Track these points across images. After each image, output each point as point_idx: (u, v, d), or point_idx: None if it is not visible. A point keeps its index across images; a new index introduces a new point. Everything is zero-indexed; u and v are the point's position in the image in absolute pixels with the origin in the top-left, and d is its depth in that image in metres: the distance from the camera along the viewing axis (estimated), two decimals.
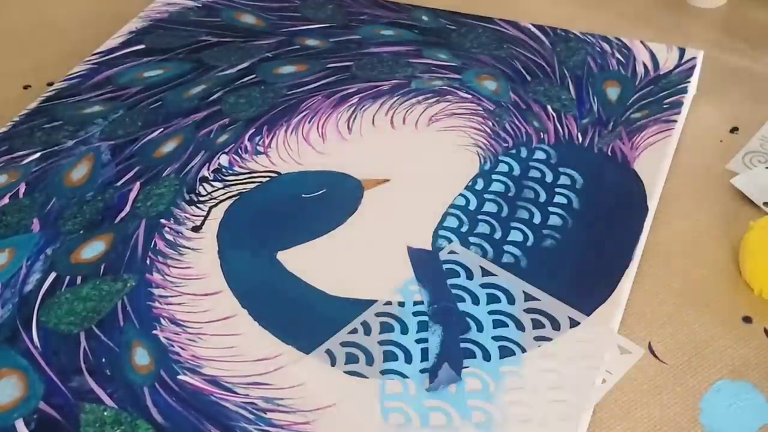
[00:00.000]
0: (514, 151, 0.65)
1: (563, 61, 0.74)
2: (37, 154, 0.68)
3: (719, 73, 0.74)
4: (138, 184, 0.65)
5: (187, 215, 0.62)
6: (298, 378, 0.50)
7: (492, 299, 0.54)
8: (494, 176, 0.63)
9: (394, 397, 0.49)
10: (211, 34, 0.82)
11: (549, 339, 0.51)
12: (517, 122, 0.68)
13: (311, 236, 0.59)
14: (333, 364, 0.50)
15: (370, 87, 0.73)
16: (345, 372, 0.50)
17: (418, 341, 0.52)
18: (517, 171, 0.63)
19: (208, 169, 0.66)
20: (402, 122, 0.69)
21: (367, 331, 0.52)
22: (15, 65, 0.83)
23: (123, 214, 0.62)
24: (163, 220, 0.61)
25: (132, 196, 0.64)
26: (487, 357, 0.50)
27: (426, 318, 0.53)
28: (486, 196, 0.61)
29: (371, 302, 0.54)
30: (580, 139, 0.66)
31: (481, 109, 0.69)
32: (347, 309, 0.54)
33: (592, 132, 0.66)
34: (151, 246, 0.59)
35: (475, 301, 0.54)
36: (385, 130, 0.68)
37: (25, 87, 0.79)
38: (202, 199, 0.63)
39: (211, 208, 0.62)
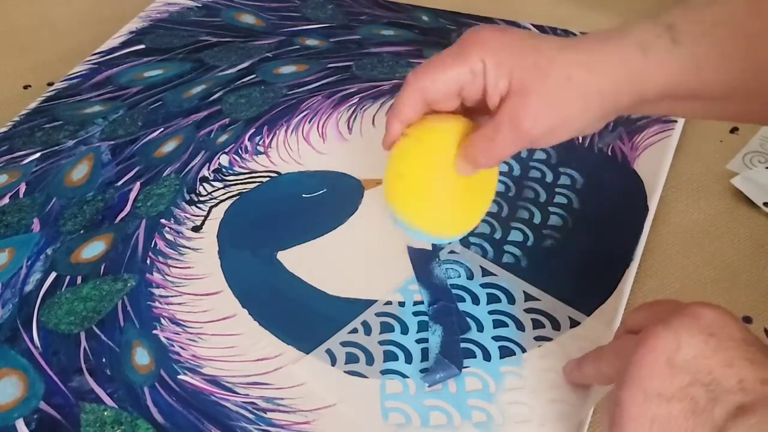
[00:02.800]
0: None
1: None
2: (38, 154, 0.68)
3: None
4: (138, 184, 0.65)
5: (188, 215, 0.62)
6: (298, 378, 0.50)
7: (492, 299, 0.54)
8: None
9: (394, 397, 0.49)
10: (211, 34, 0.82)
11: (549, 339, 0.51)
12: None
13: (311, 236, 0.59)
14: (333, 364, 0.50)
15: (370, 87, 0.73)
16: (345, 372, 0.50)
17: (418, 341, 0.52)
18: (517, 171, 0.63)
19: (208, 169, 0.66)
20: None
21: (367, 331, 0.52)
22: (15, 65, 0.83)
23: (123, 214, 0.62)
24: (163, 220, 0.62)
25: (132, 196, 0.64)
26: (487, 357, 0.50)
27: (426, 318, 0.53)
28: None
29: (371, 302, 0.54)
30: (580, 139, 0.66)
31: None
32: (347, 309, 0.54)
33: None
34: (152, 246, 0.60)
35: (475, 301, 0.54)
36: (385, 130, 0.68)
37: (25, 87, 0.80)
38: (202, 199, 0.63)
39: (211, 207, 0.62)
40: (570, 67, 0.42)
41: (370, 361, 0.51)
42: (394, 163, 0.47)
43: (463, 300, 0.54)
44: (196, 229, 0.61)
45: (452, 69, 0.44)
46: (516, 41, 0.43)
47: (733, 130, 0.67)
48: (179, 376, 0.51)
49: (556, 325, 0.52)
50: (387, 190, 0.48)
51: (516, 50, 0.43)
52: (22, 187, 0.65)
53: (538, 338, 0.51)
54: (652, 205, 0.59)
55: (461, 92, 0.45)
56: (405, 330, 0.52)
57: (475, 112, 0.46)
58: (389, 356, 0.51)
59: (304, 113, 0.71)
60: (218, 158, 0.67)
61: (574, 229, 0.58)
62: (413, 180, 0.47)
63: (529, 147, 0.44)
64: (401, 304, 0.54)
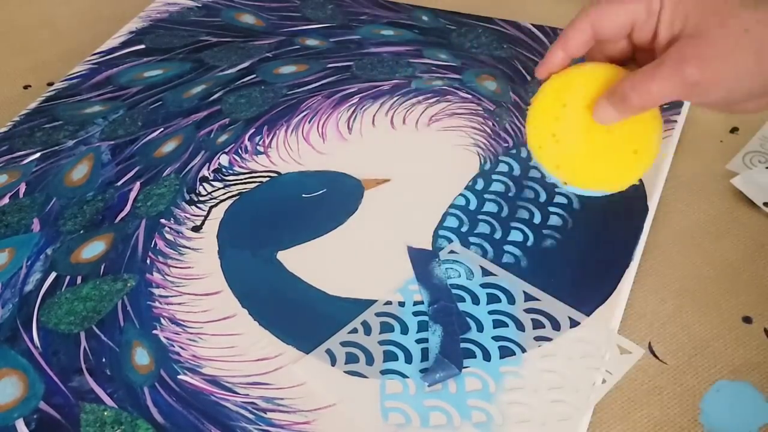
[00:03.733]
0: (514, 151, 0.65)
1: None
2: (37, 154, 0.68)
3: None
4: (138, 184, 0.65)
5: (188, 215, 0.62)
6: (298, 378, 0.50)
7: (492, 299, 0.54)
8: (494, 176, 0.63)
9: (394, 397, 0.49)
10: (211, 34, 0.82)
11: (549, 339, 0.51)
12: (517, 122, 0.68)
13: (311, 236, 0.59)
14: (333, 364, 0.50)
15: (370, 87, 0.73)
16: (345, 372, 0.50)
17: (418, 341, 0.52)
18: (517, 171, 0.63)
19: (208, 169, 0.66)
20: (402, 122, 0.69)
21: (367, 331, 0.52)
22: (15, 65, 0.83)
23: (123, 214, 0.62)
24: (163, 220, 0.61)
25: (132, 196, 0.64)
26: (487, 357, 0.50)
27: (426, 318, 0.53)
28: (486, 196, 0.61)
29: (371, 302, 0.54)
30: None
31: (481, 109, 0.69)
32: (347, 309, 0.54)
33: None
34: (152, 246, 0.60)
35: (475, 301, 0.54)
36: (385, 130, 0.68)
37: (25, 87, 0.80)
38: (202, 198, 0.63)
39: (211, 207, 0.62)
40: (749, 21, 0.40)
41: (370, 361, 0.51)
42: (540, 99, 0.46)
43: (463, 300, 0.54)
44: (196, 229, 0.61)
45: (629, 2, 0.43)
46: None
47: (733, 130, 0.67)
48: (179, 376, 0.51)
49: (556, 325, 0.52)
50: (528, 127, 0.46)
51: None
52: (22, 187, 0.65)
53: (538, 338, 0.51)
54: (652, 205, 0.59)
55: (633, 31, 0.44)
56: (405, 330, 0.52)
57: (639, 63, 0.45)
58: (389, 356, 0.51)
59: (304, 113, 0.70)
60: (218, 158, 0.67)
61: (574, 229, 0.58)
62: (554, 122, 0.45)
63: (686, 98, 0.42)
64: (401, 304, 0.54)
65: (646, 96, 0.42)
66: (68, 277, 0.58)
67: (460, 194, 0.61)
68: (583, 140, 0.45)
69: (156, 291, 0.56)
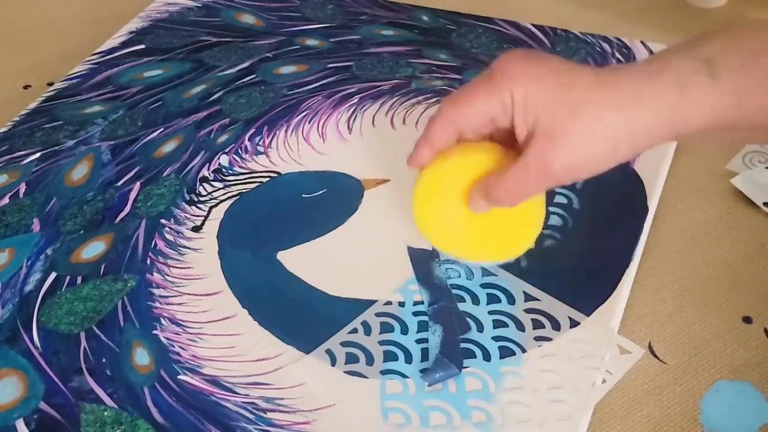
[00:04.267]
0: None
1: None
2: (38, 154, 0.68)
3: None
4: (138, 184, 0.65)
5: (188, 215, 0.62)
6: (298, 378, 0.50)
7: (492, 299, 0.54)
8: None
9: (394, 397, 0.49)
10: (211, 34, 0.82)
11: (549, 339, 0.51)
12: None
13: (311, 236, 0.59)
14: (333, 364, 0.50)
15: (370, 87, 0.73)
16: (345, 372, 0.50)
17: (418, 341, 0.52)
18: None
19: (208, 170, 0.66)
20: (402, 122, 0.69)
21: (367, 331, 0.52)
22: (15, 65, 0.83)
23: (123, 214, 0.62)
24: (163, 220, 0.62)
25: (132, 196, 0.64)
26: (487, 357, 0.50)
27: (426, 318, 0.53)
28: None
29: (371, 302, 0.54)
30: None
31: None
32: (347, 309, 0.54)
33: None
34: (152, 246, 0.60)
35: (475, 301, 0.54)
36: (385, 130, 0.68)
37: (25, 87, 0.80)
38: (202, 199, 0.63)
39: (211, 208, 0.62)
40: (601, 107, 0.41)
41: (370, 361, 0.51)
42: (420, 188, 0.49)
43: (463, 300, 0.54)
44: (196, 229, 0.61)
45: (482, 101, 0.43)
46: (547, 75, 0.42)
47: None
48: (179, 377, 0.51)
49: (556, 325, 0.52)
50: (413, 212, 0.49)
51: (546, 86, 0.42)
52: (22, 187, 0.65)
53: (538, 338, 0.51)
54: (652, 205, 0.59)
55: (494, 122, 0.44)
56: (405, 330, 0.52)
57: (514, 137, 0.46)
58: (389, 356, 0.51)
59: (304, 113, 0.71)
60: (218, 158, 0.67)
61: (574, 229, 0.58)
62: (437, 209, 0.49)
63: (554, 187, 0.44)
64: (401, 304, 0.54)
65: (516, 197, 0.45)
66: (68, 277, 0.58)
67: None
68: (468, 223, 0.48)
69: (156, 291, 0.56)
